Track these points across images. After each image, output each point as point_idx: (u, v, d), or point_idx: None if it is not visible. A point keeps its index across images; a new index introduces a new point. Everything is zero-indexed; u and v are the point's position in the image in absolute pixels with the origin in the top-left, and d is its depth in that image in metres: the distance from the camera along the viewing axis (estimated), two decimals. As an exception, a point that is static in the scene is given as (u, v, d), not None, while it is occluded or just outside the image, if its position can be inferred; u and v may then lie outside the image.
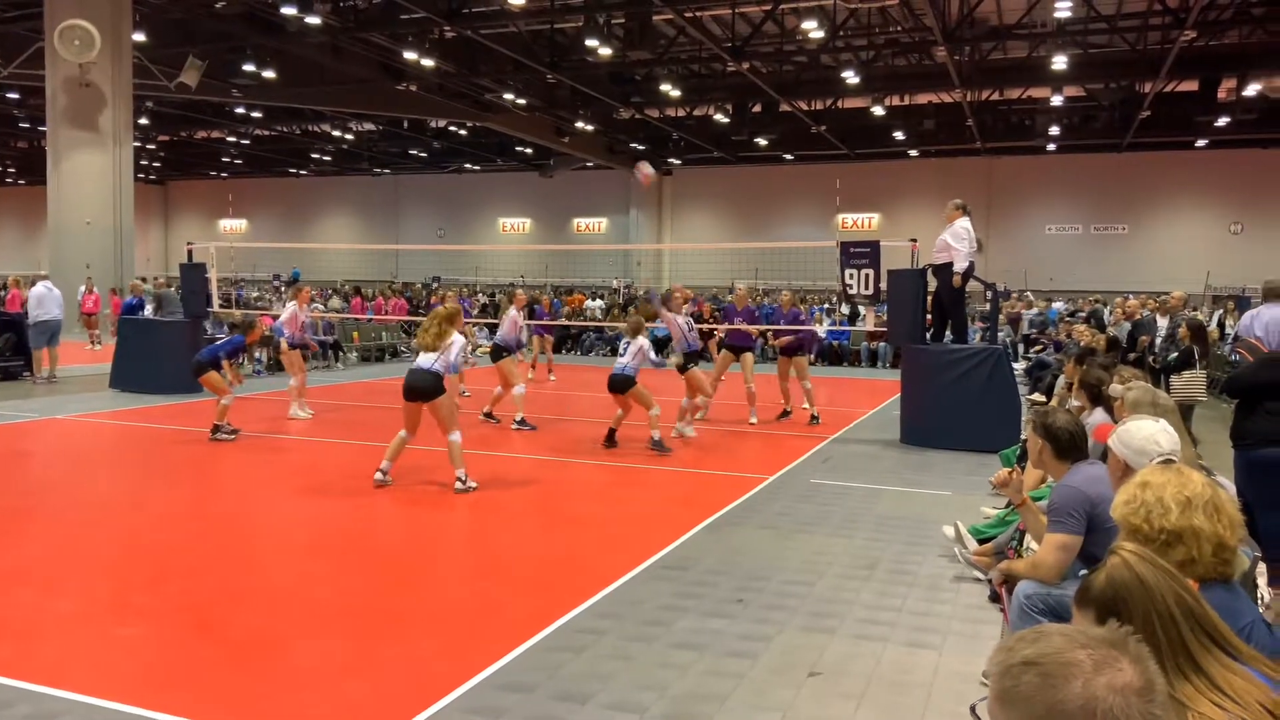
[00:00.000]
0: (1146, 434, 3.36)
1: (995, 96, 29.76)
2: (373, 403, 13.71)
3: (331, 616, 5.01)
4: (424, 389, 7.93)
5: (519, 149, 39.37)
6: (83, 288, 21.22)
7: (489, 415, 11.80)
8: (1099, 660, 1.13)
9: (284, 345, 12.14)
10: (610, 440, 10.13)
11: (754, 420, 12.07)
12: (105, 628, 4.78)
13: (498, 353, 11.72)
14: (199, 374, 10.45)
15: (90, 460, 9.60)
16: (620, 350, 10.20)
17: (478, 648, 4.50)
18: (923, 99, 30.35)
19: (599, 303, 28.68)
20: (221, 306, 16.69)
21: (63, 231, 21.54)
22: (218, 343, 11.15)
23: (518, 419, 11.43)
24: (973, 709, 3.86)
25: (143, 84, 22.40)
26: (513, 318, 12.00)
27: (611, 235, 43.46)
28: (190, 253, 15.16)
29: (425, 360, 8.04)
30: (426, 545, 6.63)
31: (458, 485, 7.88)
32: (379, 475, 8.10)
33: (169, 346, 14.09)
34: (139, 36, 22.11)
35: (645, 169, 12.86)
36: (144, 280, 22.63)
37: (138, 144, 28.25)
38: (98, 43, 19.35)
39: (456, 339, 8.11)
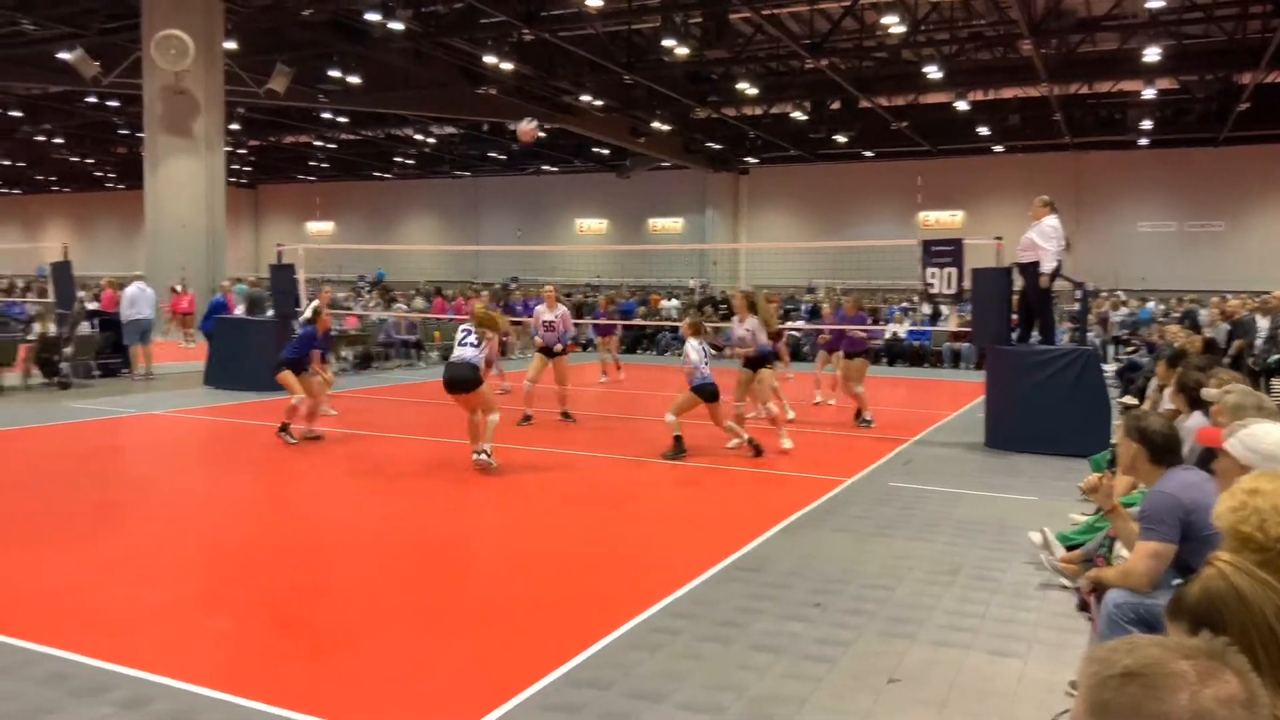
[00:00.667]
0: (1277, 438, 3.21)
1: (1084, 90, 28.86)
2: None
3: (408, 611, 5.10)
4: (465, 380, 8.47)
5: (595, 150, 39.60)
6: (178, 287, 22.03)
7: (565, 415, 11.95)
8: (1203, 672, 1.08)
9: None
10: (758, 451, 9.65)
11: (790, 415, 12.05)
12: (194, 619, 4.94)
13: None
14: (275, 373, 10.57)
15: (182, 455, 9.96)
16: (704, 359, 9.57)
17: (552, 644, 4.53)
18: (1008, 93, 29.60)
19: (674, 303, 28.64)
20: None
21: (159, 234, 22.35)
22: (292, 342, 11.20)
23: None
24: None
25: (234, 91, 23.09)
26: (535, 313, 12.68)
27: (687, 235, 43.42)
28: (280, 254, 15.62)
29: (467, 353, 8.56)
30: (500, 541, 6.69)
31: (480, 456, 8.39)
32: (479, 458, 8.57)
33: (259, 345, 14.56)
34: (230, 45, 22.83)
35: (526, 126, 13.49)
36: (238, 280, 23.42)
37: (229, 149, 29.18)
38: (192, 51, 20.03)
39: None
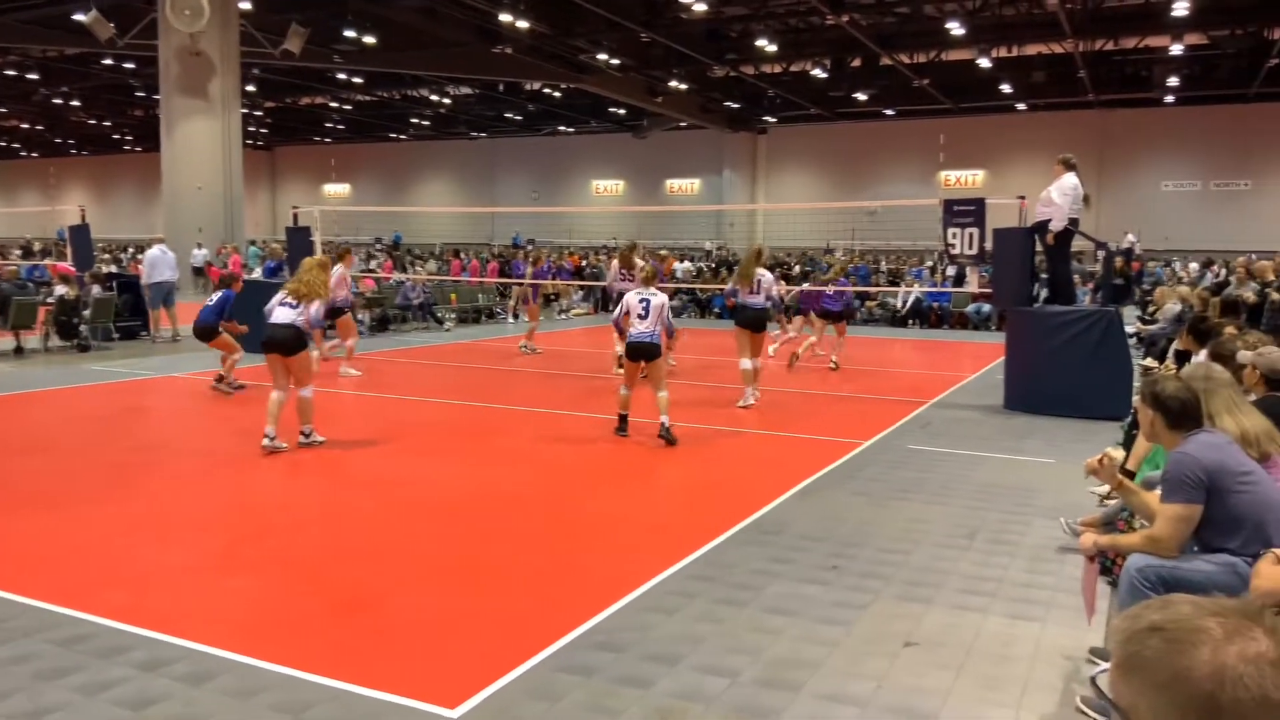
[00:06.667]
0: None
1: (1109, 46, 28.31)
2: (471, 363, 13.93)
3: (428, 573, 5.11)
4: (285, 341, 7.85)
5: (612, 110, 39.25)
6: (219, 251, 22.63)
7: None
8: (1230, 629, 1.05)
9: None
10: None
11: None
12: (214, 579, 4.97)
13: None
14: (205, 339, 10.65)
15: (200, 417, 10.00)
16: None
17: (569, 607, 4.53)
18: (1032, 50, 29.08)
19: (687, 265, 28.49)
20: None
21: (176, 196, 22.38)
22: (211, 304, 10.77)
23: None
24: (1093, 680, 3.70)
25: (249, 51, 22.96)
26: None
27: (705, 196, 43.11)
28: (295, 216, 15.61)
29: (284, 315, 7.89)
30: (520, 505, 6.69)
31: (301, 439, 8.03)
32: (266, 442, 7.78)
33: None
34: (245, 5, 22.67)
35: None
36: (251, 242, 23.61)
37: (245, 111, 29.07)
38: (207, 12, 19.90)
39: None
